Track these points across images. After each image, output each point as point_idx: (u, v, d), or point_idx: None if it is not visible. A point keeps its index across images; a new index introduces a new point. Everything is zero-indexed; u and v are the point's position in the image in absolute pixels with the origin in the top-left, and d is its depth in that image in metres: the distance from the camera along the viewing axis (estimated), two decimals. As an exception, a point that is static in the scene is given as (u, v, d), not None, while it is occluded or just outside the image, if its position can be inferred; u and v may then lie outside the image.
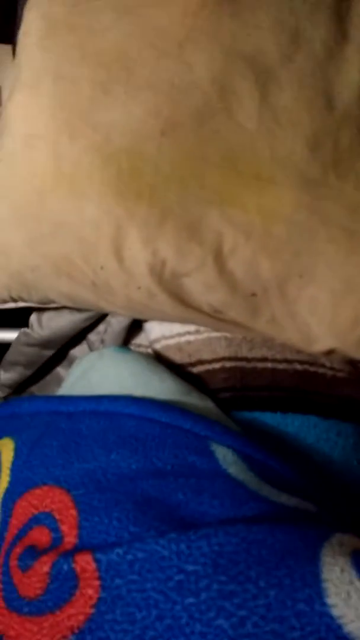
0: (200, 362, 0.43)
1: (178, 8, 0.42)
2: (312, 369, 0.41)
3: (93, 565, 0.27)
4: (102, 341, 0.53)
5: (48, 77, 0.43)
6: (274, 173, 0.40)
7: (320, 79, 0.41)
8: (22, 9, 0.51)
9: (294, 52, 0.41)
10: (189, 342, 0.44)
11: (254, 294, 0.40)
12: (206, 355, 0.43)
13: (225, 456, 0.33)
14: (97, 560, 0.27)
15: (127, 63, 0.41)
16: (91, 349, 0.55)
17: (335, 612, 0.23)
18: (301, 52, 0.41)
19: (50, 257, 0.42)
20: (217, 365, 0.42)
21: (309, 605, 0.23)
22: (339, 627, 0.22)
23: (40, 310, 0.54)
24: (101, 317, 0.52)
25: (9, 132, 0.44)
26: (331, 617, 0.23)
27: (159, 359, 0.45)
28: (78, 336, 0.55)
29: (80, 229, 0.41)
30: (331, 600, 0.23)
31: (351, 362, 0.43)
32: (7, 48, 0.50)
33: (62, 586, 0.27)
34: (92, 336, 0.55)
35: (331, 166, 0.39)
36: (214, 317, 0.42)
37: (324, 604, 0.23)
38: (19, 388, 0.61)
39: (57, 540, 0.30)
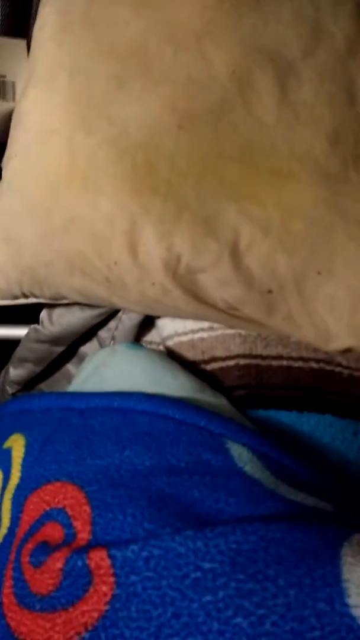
0: (214, 359, 0.43)
1: (197, 2, 0.41)
2: (328, 367, 0.41)
3: (108, 561, 0.26)
4: (113, 338, 0.53)
5: (63, 72, 0.42)
6: (293, 168, 0.39)
7: (341, 74, 0.40)
8: (37, 3, 0.50)
9: (315, 46, 0.41)
10: (202, 339, 0.44)
11: (270, 291, 0.39)
12: (220, 353, 0.43)
13: (241, 454, 0.32)
14: (111, 557, 0.26)
15: (144, 57, 0.41)
16: (102, 345, 0.55)
17: (356, 612, 0.22)
18: (322, 46, 0.40)
19: (63, 252, 0.42)
20: (231, 363, 0.42)
21: (329, 605, 0.22)
22: (361, 628, 0.22)
23: (50, 306, 0.53)
24: (112, 314, 0.52)
25: (24, 127, 0.44)
26: (352, 618, 0.22)
27: (172, 356, 0.45)
28: (88, 333, 0.55)
29: (95, 224, 0.40)
30: (352, 600, 0.22)
31: (367, 361, 0.42)
32: (22, 43, 0.50)
33: (76, 582, 0.27)
34: (103, 333, 0.54)
35: (351, 162, 0.39)
36: (228, 314, 0.41)
37: (344, 605, 0.22)
38: (28, 384, 0.61)
39: (70, 537, 0.29)
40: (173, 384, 0.40)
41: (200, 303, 0.41)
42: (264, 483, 0.30)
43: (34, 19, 0.50)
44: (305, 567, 0.24)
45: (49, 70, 0.43)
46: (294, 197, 0.39)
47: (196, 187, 0.40)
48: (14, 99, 0.50)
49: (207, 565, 0.24)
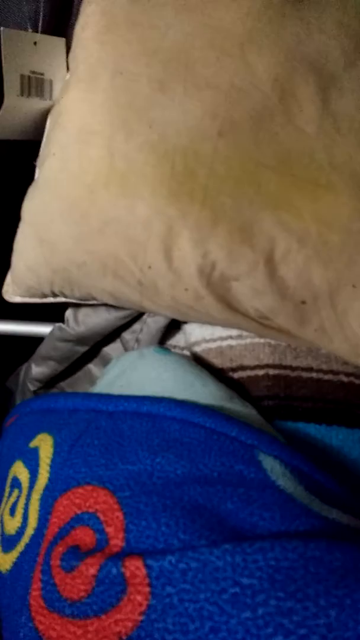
0: (242, 367, 0.43)
1: (241, 8, 0.41)
2: (357, 381, 0.41)
3: (143, 571, 0.26)
4: (137, 340, 0.53)
5: (105, 73, 0.42)
6: (331, 180, 0.39)
7: (385, 87, 0.40)
8: (78, 3, 0.50)
9: (358, 58, 0.40)
10: (230, 347, 0.44)
11: (303, 302, 0.39)
12: (248, 361, 0.43)
13: (273, 467, 0.32)
14: (148, 567, 0.26)
15: (187, 62, 0.41)
16: (125, 347, 0.55)
17: None
18: (366, 58, 0.40)
19: (97, 254, 0.42)
20: (260, 372, 0.42)
21: (370, 628, 0.22)
22: None
23: (76, 305, 0.53)
24: (137, 316, 0.52)
25: (63, 127, 0.43)
26: (394, 643, 0.22)
27: (199, 363, 0.45)
28: (112, 334, 0.55)
29: (131, 227, 0.40)
30: (394, 624, 0.22)
31: None
32: (61, 41, 0.50)
33: (109, 590, 0.27)
34: (127, 335, 0.54)
35: (393, 176, 0.38)
36: (260, 323, 0.41)
37: (386, 628, 0.22)
38: (49, 382, 0.61)
39: (102, 542, 0.29)
40: (202, 391, 0.39)
41: (232, 311, 0.41)
42: (297, 498, 0.30)
43: (74, 18, 0.50)
44: (346, 588, 0.24)
45: (90, 70, 0.43)
46: (332, 208, 0.39)
47: (234, 195, 0.39)
48: (51, 97, 0.50)
49: (245, 581, 0.24)
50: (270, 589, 0.24)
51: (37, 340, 0.59)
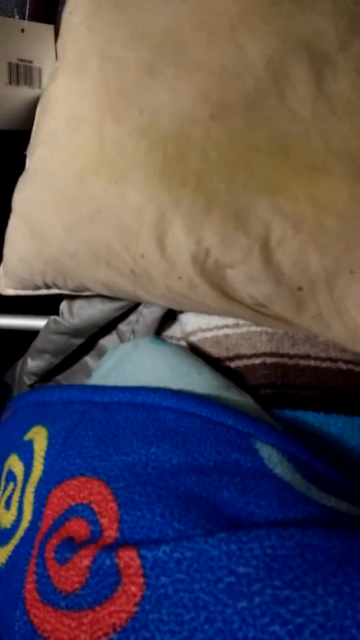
0: (239, 356, 0.42)
1: (232, -11, 0.40)
2: (357, 369, 0.40)
3: (137, 561, 0.26)
4: (133, 332, 0.52)
5: (94, 58, 0.41)
6: (327, 163, 0.38)
7: (380, 67, 0.39)
8: (66, -11, 0.49)
9: (352, 38, 0.40)
10: (227, 336, 0.43)
11: (300, 288, 0.38)
12: (245, 350, 0.42)
13: (270, 455, 0.32)
14: (141, 557, 0.26)
15: (177, 44, 0.40)
16: (121, 339, 0.54)
17: None
18: (360, 38, 0.39)
19: (89, 243, 0.41)
20: (257, 361, 0.41)
21: (370, 616, 0.22)
22: None
23: (70, 298, 0.53)
24: (133, 307, 0.51)
25: (52, 114, 0.43)
26: (393, 631, 0.21)
27: (195, 352, 0.44)
28: (108, 326, 0.54)
29: (122, 215, 0.40)
30: (393, 612, 0.22)
31: None
32: (49, 28, 0.49)
33: (103, 581, 0.26)
34: (123, 326, 0.54)
35: (389, 157, 0.38)
36: (256, 311, 0.40)
37: (386, 616, 0.22)
38: (45, 376, 0.60)
39: (97, 534, 0.29)
40: (198, 380, 0.39)
41: (227, 299, 0.40)
42: (295, 486, 0.29)
43: (62, 4, 0.49)
44: (344, 576, 0.23)
45: (79, 56, 0.42)
46: (328, 193, 0.38)
47: (227, 180, 0.39)
48: (40, 85, 0.49)
49: (241, 570, 0.24)
50: (266, 578, 0.23)
51: (33, 334, 0.58)
